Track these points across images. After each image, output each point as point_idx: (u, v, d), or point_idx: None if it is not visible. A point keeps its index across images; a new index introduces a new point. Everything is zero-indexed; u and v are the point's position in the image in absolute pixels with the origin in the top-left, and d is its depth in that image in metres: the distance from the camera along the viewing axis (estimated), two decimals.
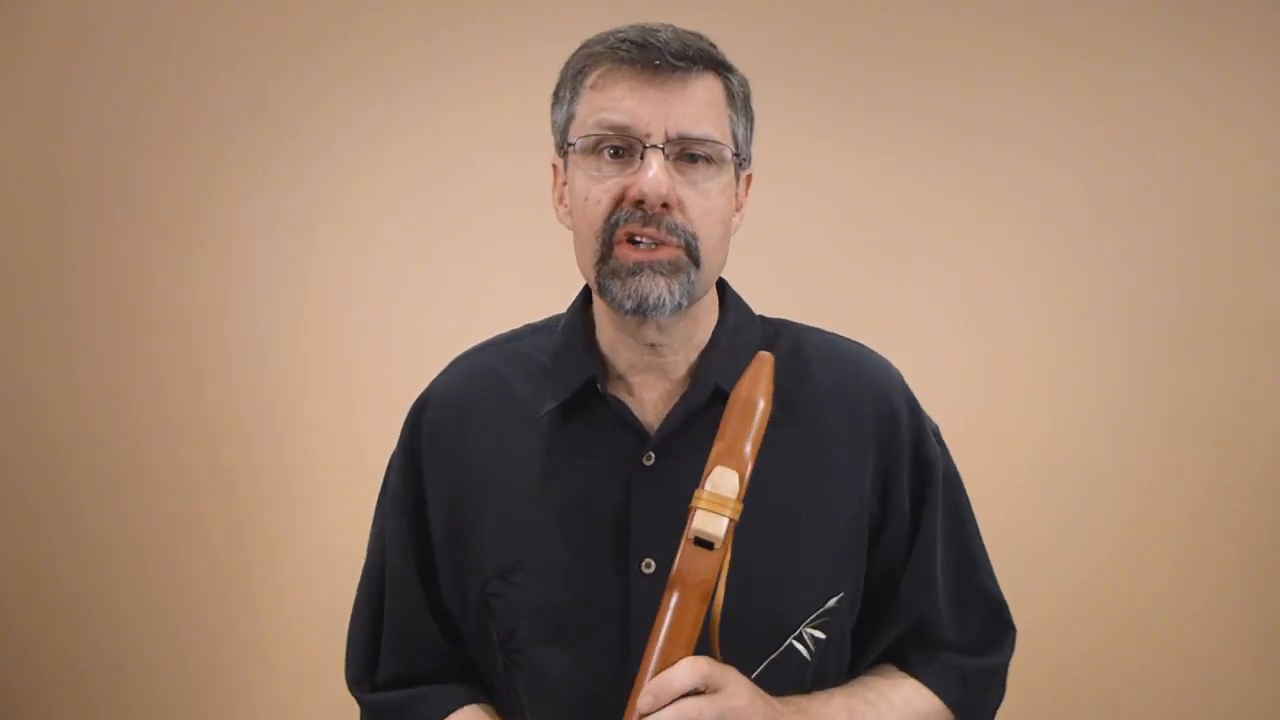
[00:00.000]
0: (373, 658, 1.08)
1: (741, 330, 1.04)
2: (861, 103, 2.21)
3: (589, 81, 0.95)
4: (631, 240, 0.92)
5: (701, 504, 0.87)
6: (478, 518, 1.02)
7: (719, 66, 0.96)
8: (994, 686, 1.08)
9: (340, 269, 2.21)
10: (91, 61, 2.19)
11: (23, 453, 2.19)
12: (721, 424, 0.91)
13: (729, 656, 0.90)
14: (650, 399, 1.01)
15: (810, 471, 0.99)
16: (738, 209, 1.01)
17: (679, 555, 0.88)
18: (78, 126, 2.19)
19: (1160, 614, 2.16)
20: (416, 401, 1.08)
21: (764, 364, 0.93)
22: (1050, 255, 2.19)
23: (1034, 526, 2.14)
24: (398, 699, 1.06)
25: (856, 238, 2.21)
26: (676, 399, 0.99)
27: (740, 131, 0.98)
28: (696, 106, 0.93)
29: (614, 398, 1.00)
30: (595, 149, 0.94)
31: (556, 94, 0.99)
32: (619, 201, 0.93)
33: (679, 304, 0.93)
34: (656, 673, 0.85)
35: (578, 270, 0.99)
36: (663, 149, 0.92)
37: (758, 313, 1.08)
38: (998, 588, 1.09)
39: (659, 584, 0.91)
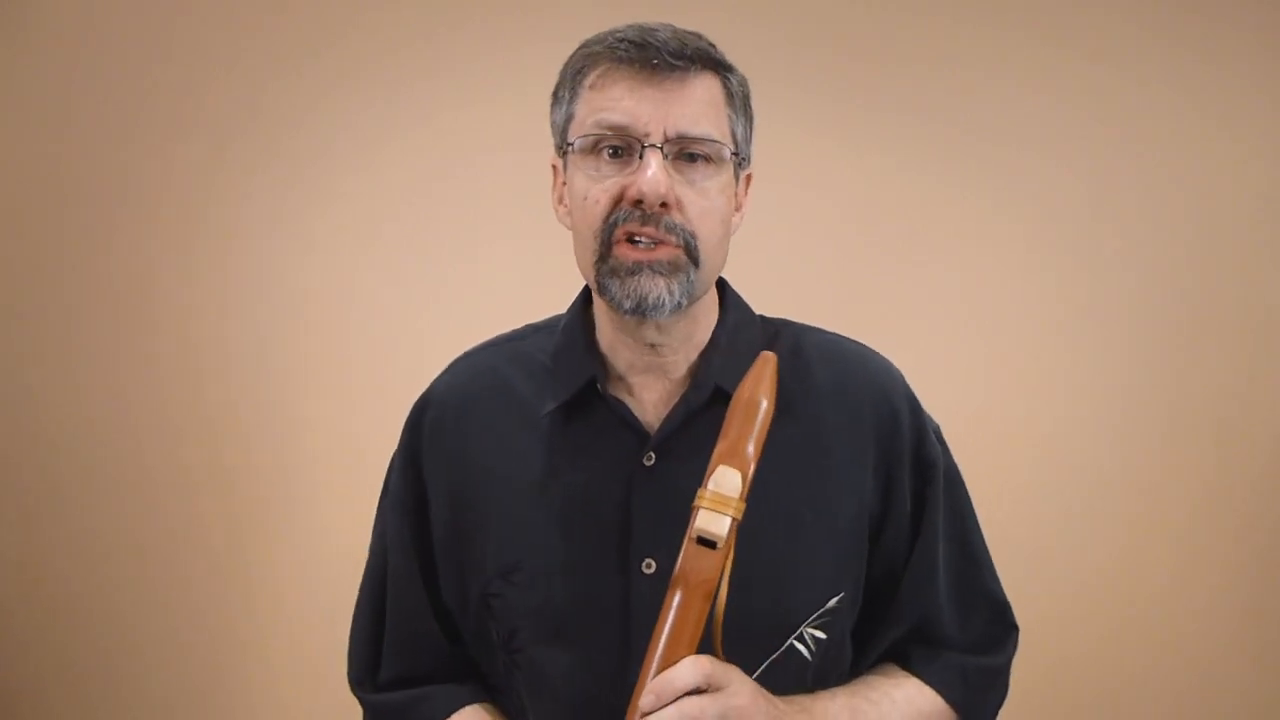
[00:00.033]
0: (375, 658, 1.08)
1: (742, 330, 1.04)
2: (861, 103, 2.21)
3: (588, 81, 0.95)
4: (631, 240, 0.92)
5: (704, 503, 0.87)
6: (478, 518, 1.02)
7: (718, 66, 0.96)
8: (996, 686, 1.08)
9: (340, 269, 2.21)
10: (91, 61, 2.19)
11: (23, 453, 2.19)
12: (724, 423, 0.91)
13: (730, 656, 0.90)
14: (650, 399, 1.01)
15: (810, 471, 0.99)
16: (737, 209, 1.01)
17: (682, 554, 0.88)
18: (78, 126, 2.19)
19: (1160, 614, 2.16)
20: (418, 401, 1.08)
21: (767, 364, 0.93)
22: (1050, 255, 2.19)
23: (1034, 526, 2.14)
24: (400, 699, 1.06)
25: (856, 238, 2.21)
26: (677, 399, 0.99)
27: (739, 131, 0.97)
28: (695, 106, 0.93)
29: (614, 398, 1.00)
30: (594, 149, 0.94)
31: (556, 94, 0.99)
32: (618, 201, 0.93)
33: (678, 304, 0.93)
34: (659, 672, 0.85)
35: (577, 270, 0.99)
36: (661, 148, 0.91)
37: (758, 313, 1.08)
38: (1000, 587, 1.09)
39: (660, 584, 0.91)
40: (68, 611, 2.18)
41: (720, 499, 0.87)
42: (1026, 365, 2.19)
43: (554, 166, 1.02)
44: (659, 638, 0.87)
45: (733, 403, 0.92)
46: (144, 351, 2.19)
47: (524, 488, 1.00)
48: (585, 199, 0.94)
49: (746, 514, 0.88)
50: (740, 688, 0.88)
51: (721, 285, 1.06)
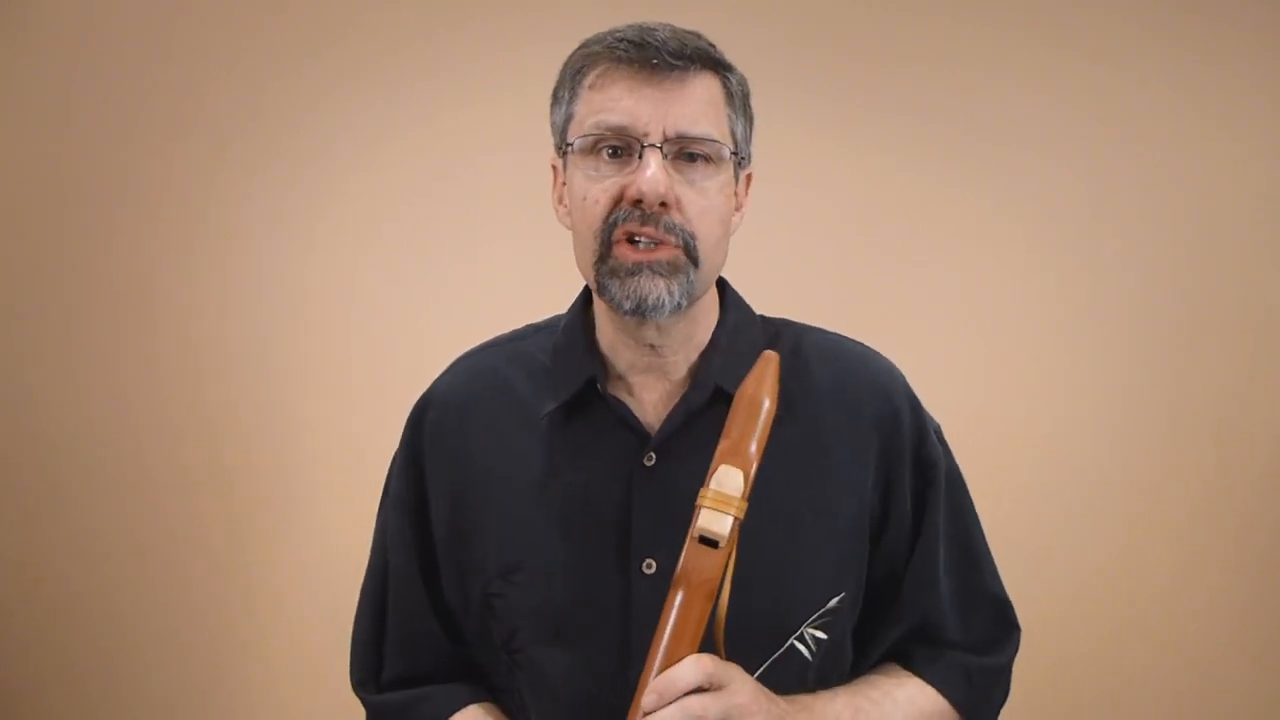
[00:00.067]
0: (377, 658, 1.08)
1: (742, 330, 1.04)
2: (861, 103, 2.20)
3: (587, 81, 0.95)
4: (630, 240, 0.92)
5: (706, 502, 0.87)
6: (479, 518, 1.02)
7: (717, 65, 0.95)
8: (999, 685, 1.08)
9: (340, 269, 2.21)
10: (91, 61, 2.19)
11: (23, 453, 2.19)
12: (727, 422, 0.91)
13: (731, 656, 0.90)
14: (651, 399, 1.01)
15: (811, 471, 0.99)
16: (738, 208, 1.01)
17: (684, 554, 0.88)
18: (78, 126, 2.19)
19: (1160, 614, 2.16)
20: (418, 402, 1.08)
21: (769, 363, 0.93)
22: (1050, 255, 2.19)
23: (1034, 526, 2.14)
24: (402, 699, 1.06)
25: (856, 238, 2.21)
26: (677, 399, 0.99)
27: (739, 130, 0.97)
28: (695, 105, 0.93)
29: (614, 398, 1.00)
30: (594, 149, 0.94)
31: (555, 94, 0.99)
32: (618, 201, 0.93)
33: (678, 304, 0.93)
34: (661, 671, 0.85)
35: (577, 270, 0.99)
36: (661, 148, 0.91)
37: (758, 313, 1.08)
38: (1002, 586, 1.09)
39: (660, 584, 0.91)
40: (68, 611, 2.18)
41: (722, 498, 0.87)
42: (1026, 365, 2.19)
43: (554, 166, 1.02)
44: (661, 637, 0.87)
45: (735, 402, 0.92)
46: (144, 351, 2.19)
47: (524, 488, 1.00)
48: (585, 199, 0.94)
49: (747, 514, 0.88)
50: (742, 686, 0.88)
51: (722, 285, 1.06)
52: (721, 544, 0.87)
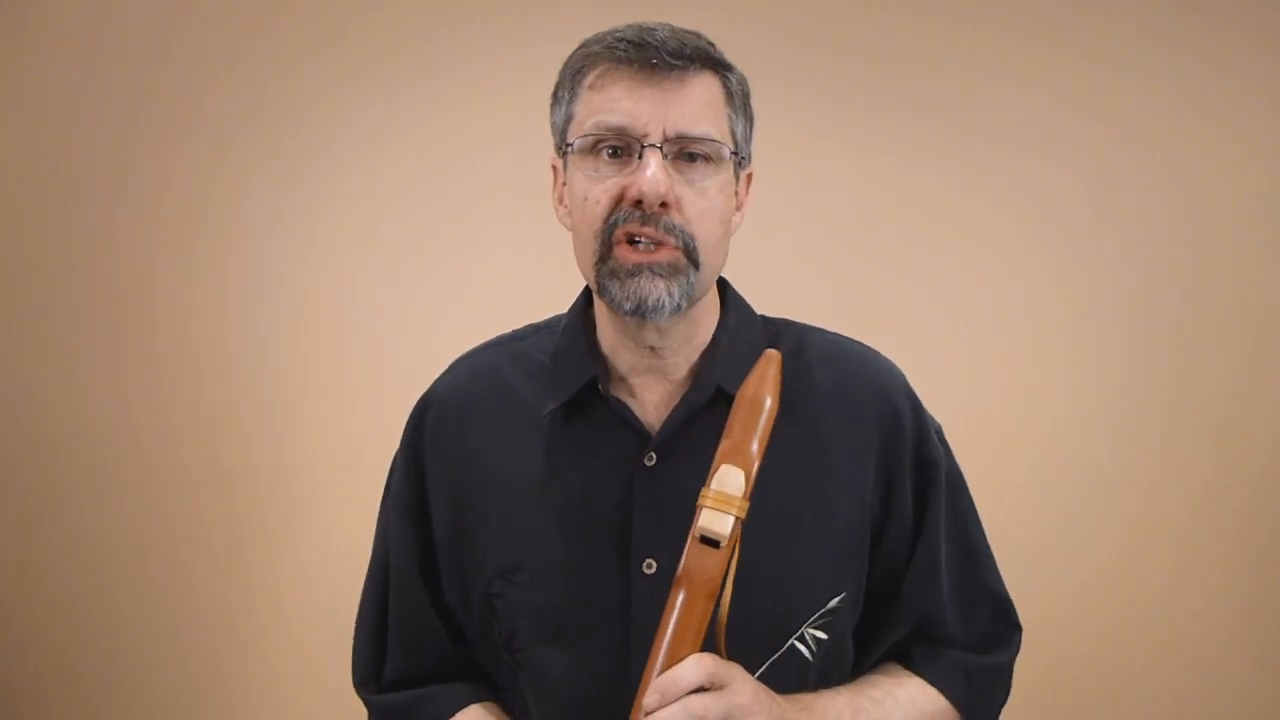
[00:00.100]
0: (379, 658, 1.08)
1: (743, 330, 1.04)
2: (861, 103, 2.21)
3: (587, 82, 0.95)
4: (631, 241, 0.92)
5: (708, 502, 0.87)
6: (480, 518, 1.02)
7: (717, 65, 0.95)
8: (999, 684, 1.08)
9: (340, 269, 2.21)
10: (91, 61, 2.19)
11: (23, 453, 2.19)
12: (728, 422, 0.91)
13: (731, 656, 0.90)
14: (652, 400, 1.01)
15: (810, 471, 0.99)
16: (738, 208, 1.01)
17: (685, 554, 0.88)
18: (78, 126, 2.19)
19: (1160, 614, 2.16)
20: (419, 401, 1.08)
21: (771, 362, 0.93)
22: (1050, 255, 2.19)
23: (1034, 526, 2.14)
24: (404, 699, 1.06)
25: (856, 238, 2.21)
26: (678, 399, 0.99)
27: (739, 130, 0.97)
28: (694, 105, 0.92)
29: (615, 398, 1.00)
30: (594, 149, 0.94)
31: (555, 94, 0.99)
32: (618, 202, 0.92)
33: (678, 305, 0.93)
34: (662, 671, 0.85)
35: (578, 270, 0.99)
36: (661, 148, 0.91)
37: (759, 313, 1.08)
38: (1003, 586, 1.09)
39: (660, 584, 0.91)
40: (68, 611, 2.18)
41: (723, 498, 0.87)
42: (1026, 365, 2.19)
43: (554, 167, 1.02)
44: (662, 637, 0.87)
45: (737, 401, 0.92)
46: (144, 351, 2.19)
47: (525, 488, 1.00)
48: (585, 199, 0.94)
49: (748, 513, 0.88)
50: (743, 685, 0.88)
51: (723, 285, 1.06)
52: (723, 544, 0.87)
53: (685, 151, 0.93)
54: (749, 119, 1.00)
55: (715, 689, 0.86)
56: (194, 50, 2.20)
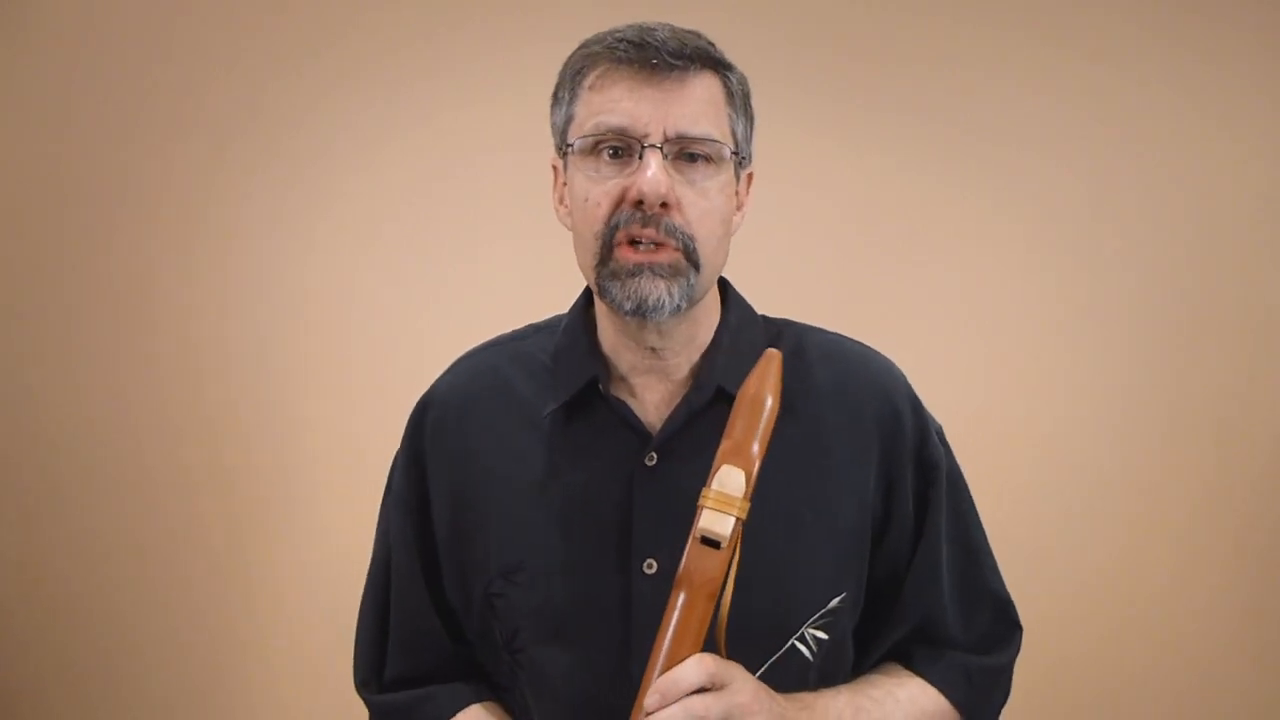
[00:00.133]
0: (380, 657, 1.08)
1: (744, 330, 1.03)
2: (861, 103, 2.21)
3: (587, 82, 0.95)
4: (632, 242, 0.92)
5: (709, 503, 0.87)
6: (480, 517, 1.02)
7: (717, 65, 0.95)
8: (1000, 685, 1.08)
9: (340, 269, 2.21)
10: (91, 61, 2.19)
11: (23, 453, 2.19)
12: (729, 422, 0.91)
13: (731, 657, 0.89)
14: (652, 400, 1.01)
15: (810, 471, 0.99)
16: (739, 208, 1.01)
17: (686, 554, 0.88)
18: (78, 126, 2.19)
19: (1160, 614, 2.16)
20: (420, 401, 1.08)
21: (772, 361, 0.93)
22: (1050, 255, 2.19)
23: (1034, 526, 2.14)
24: (405, 699, 1.06)
25: (856, 238, 2.21)
26: (679, 399, 0.99)
27: (739, 130, 0.97)
28: (695, 105, 0.92)
29: (616, 398, 1.00)
30: (594, 150, 0.94)
31: (555, 95, 0.99)
32: (619, 203, 0.92)
33: (678, 306, 0.93)
34: (663, 671, 0.85)
35: (578, 270, 0.99)
36: (661, 148, 0.91)
37: (759, 313, 1.08)
38: (1003, 586, 1.09)
39: (661, 584, 0.91)
40: (68, 611, 2.18)
41: (724, 498, 0.87)
42: (1026, 365, 2.19)
43: (554, 167, 1.02)
44: (663, 637, 0.87)
45: (737, 400, 0.92)
46: (144, 351, 2.19)
47: (525, 487, 1.00)
48: (586, 200, 0.94)
49: (749, 513, 0.88)
50: (743, 685, 0.88)
51: (723, 285, 1.06)
52: (723, 544, 0.87)
53: (686, 152, 0.93)
54: (749, 119, 1.00)
55: (716, 689, 0.86)
56: (194, 50, 2.20)
